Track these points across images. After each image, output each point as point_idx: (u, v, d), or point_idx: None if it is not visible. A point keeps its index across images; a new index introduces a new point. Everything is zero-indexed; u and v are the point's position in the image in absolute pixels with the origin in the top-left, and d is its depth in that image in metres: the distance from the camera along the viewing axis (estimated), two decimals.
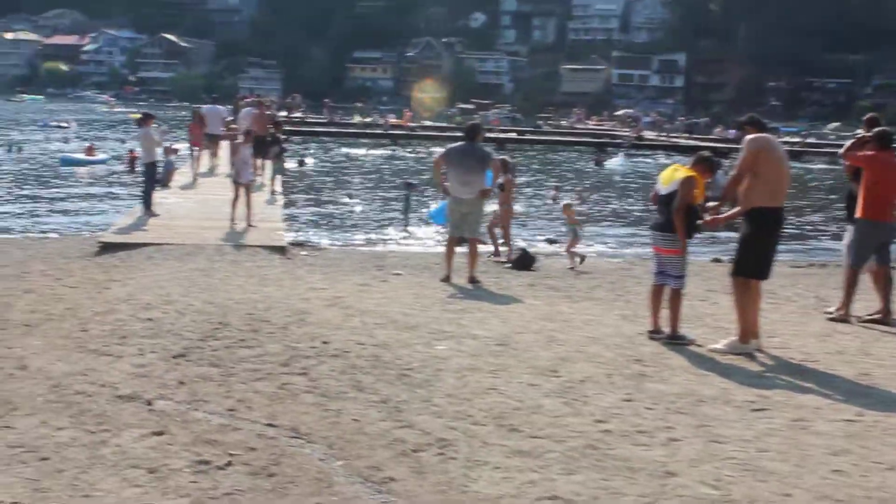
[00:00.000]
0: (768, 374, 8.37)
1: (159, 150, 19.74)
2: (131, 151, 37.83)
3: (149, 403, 6.77)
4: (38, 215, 24.01)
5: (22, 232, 20.39)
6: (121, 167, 36.44)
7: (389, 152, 51.42)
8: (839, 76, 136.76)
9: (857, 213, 10.82)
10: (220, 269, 12.72)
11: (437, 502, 5.22)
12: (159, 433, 6.17)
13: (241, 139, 18.02)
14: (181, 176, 24.20)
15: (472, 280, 12.74)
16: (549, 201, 29.23)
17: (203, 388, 7.18)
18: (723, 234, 17.62)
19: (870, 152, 10.76)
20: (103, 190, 30.24)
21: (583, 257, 15.96)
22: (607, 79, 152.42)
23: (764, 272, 9.19)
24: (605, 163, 48.22)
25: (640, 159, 53.59)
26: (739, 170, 9.05)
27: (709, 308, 11.44)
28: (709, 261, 16.93)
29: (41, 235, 19.29)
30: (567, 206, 17.10)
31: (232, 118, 30.83)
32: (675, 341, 9.24)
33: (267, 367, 7.79)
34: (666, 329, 9.41)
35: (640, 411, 7.02)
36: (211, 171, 26.47)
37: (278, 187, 23.28)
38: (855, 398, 7.61)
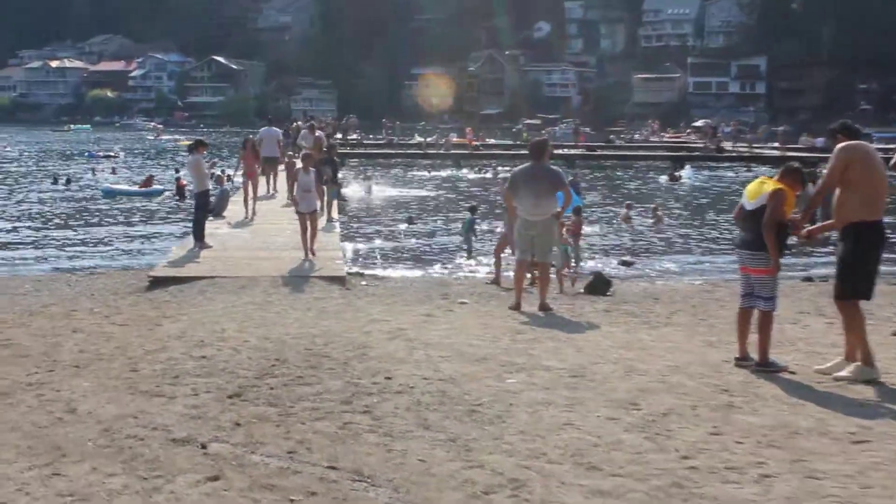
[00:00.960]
0: (869, 402, 8.17)
1: (208, 180, 19.94)
2: (178, 179, 38.46)
3: (203, 447, 6.80)
4: (85, 250, 24.49)
5: (70, 268, 20.80)
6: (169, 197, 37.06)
7: (451, 173, 51.56)
8: None
9: None
10: (277, 303, 12.81)
11: None
12: (215, 478, 6.19)
13: (299, 165, 18.05)
14: (234, 205, 24.43)
15: (544, 307, 12.66)
16: (621, 221, 29.06)
17: (260, 429, 7.20)
18: (806, 250, 17.36)
19: None
20: (154, 221, 30.72)
21: (574, 280, 15.88)
22: (682, 87, 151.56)
23: (869, 292, 8.98)
24: (680, 177, 47.89)
25: (720, 172, 53.14)
26: (827, 181, 8.89)
27: (801, 332, 11.24)
28: (800, 280, 16.66)
29: (89, 271, 19.65)
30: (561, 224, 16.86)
31: (284, 142, 31.09)
32: (766, 369, 9.06)
33: (327, 405, 7.79)
34: (754, 356, 9.23)
35: (728, 446, 6.89)
36: (267, 197, 26.64)
37: (335, 213, 23.44)
38: None
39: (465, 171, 52.47)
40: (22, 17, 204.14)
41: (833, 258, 9.44)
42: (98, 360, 9.42)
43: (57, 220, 30.99)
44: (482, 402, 7.89)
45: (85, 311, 12.48)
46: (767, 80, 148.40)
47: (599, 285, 14.95)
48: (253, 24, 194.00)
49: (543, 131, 78.16)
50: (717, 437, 7.06)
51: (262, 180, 26.24)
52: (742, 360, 9.28)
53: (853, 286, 8.90)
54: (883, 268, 16.74)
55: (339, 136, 59.24)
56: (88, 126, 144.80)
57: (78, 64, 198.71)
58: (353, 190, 38.61)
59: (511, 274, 14.92)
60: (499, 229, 16.67)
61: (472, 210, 24.52)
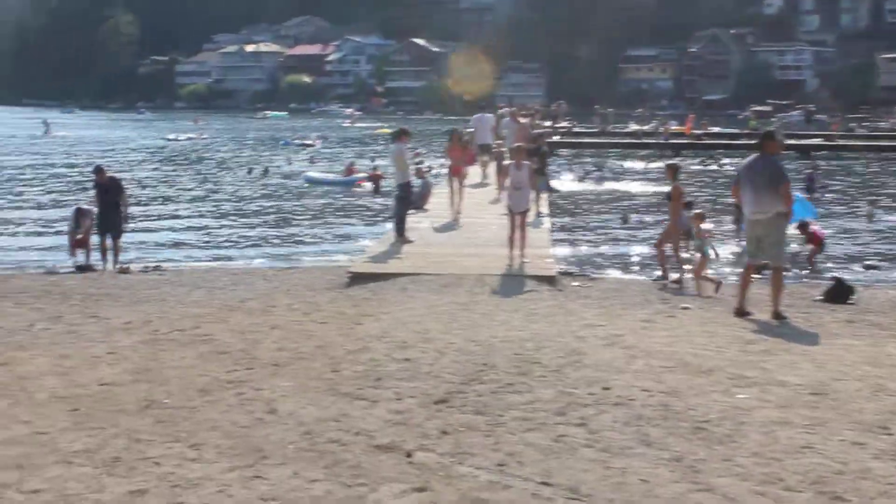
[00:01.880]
0: None
1: (412, 172, 20.24)
2: (374, 170, 39.24)
3: (408, 455, 6.93)
4: (281, 243, 25.31)
5: (266, 262, 21.56)
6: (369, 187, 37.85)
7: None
8: None
9: None
10: (483, 303, 12.93)
11: None
12: (421, 489, 6.29)
13: (509, 159, 17.98)
14: (436, 197, 24.67)
15: (777, 315, 12.32)
16: (865, 219, 28.00)
17: (468, 438, 7.28)
18: None
19: None
20: (352, 213, 31.48)
21: (718, 283, 15.21)
22: None
23: None
24: None
25: None
26: None
27: None
28: None
29: (286, 265, 20.31)
30: (698, 216, 16.24)
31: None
32: None
33: (539, 415, 7.81)
34: None
35: None
36: (479, 185, 26.74)
37: (544, 208, 23.43)
38: None
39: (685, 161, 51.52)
40: (218, 1, 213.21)
41: None
42: (298, 359, 9.73)
43: (253, 212, 32.14)
44: (710, 419, 7.75)
45: (283, 308, 12.90)
46: None
47: (840, 292, 14.43)
48: (455, 5, 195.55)
49: (774, 119, 76.03)
50: None
51: (471, 170, 26.11)
52: None
53: None
54: None
55: (547, 123, 59.21)
56: (285, 113, 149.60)
57: (274, 48, 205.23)
58: (562, 182, 38.49)
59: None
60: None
61: (688, 206, 23.97)
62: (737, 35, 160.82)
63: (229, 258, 22.61)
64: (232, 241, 25.60)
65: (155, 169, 51.39)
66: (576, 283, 15.65)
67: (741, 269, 13.42)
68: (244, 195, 37.67)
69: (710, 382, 8.90)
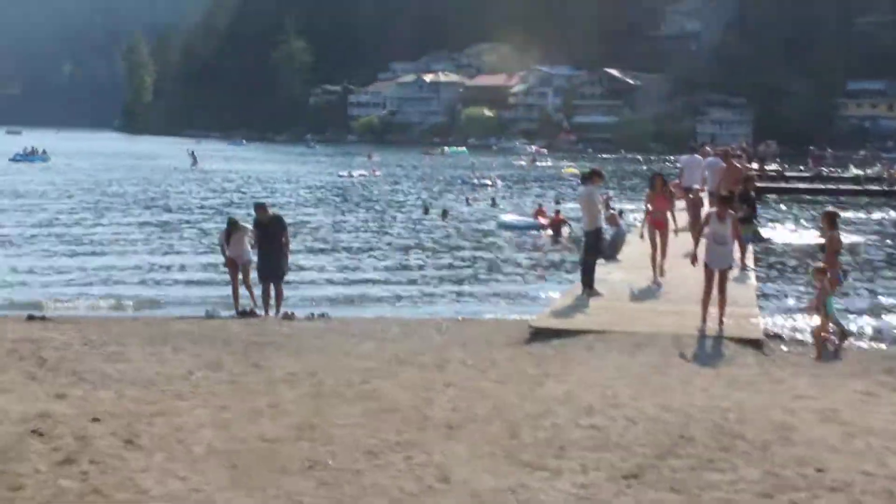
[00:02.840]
0: None
1: (602, 217, 20.04)
2: (558, 213, 39.13)
3: None
4: (458, 291, 25.40)
5: (438, 311, 21.71)
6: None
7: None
8: None
9: None
10: (678, 366, 12.77)
11: None
12: None
13: (709, 206, 17.60)
14: (629, 246, 24.40)
15: None
16: None
17: None
18: None
19: None
20: (535, 261, 31.46)
21: (844, 335, 14.56)
22: None
23: None
24: None
25: None
26: None
27: None
28: None
29: (463, 317, 20.39)
30: (817, 270, 15.94)
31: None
32: None
33: (743, 497, 7.66)
34: None
35: None
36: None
37: (750, 261, 22.95)
38: None
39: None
40: (396, 24, 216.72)
41: None
42: (472, 422, 9.75)
43: (428, 256, 32.43)
44: None
45: (458, 363, 12.96)
46: None
47: None
48: (655, 31, 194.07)
49: None
50: None
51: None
52: None
53: None
54: None
55: (754, 165, 58.18)
56: (464, 149, 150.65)
57: (454, 78, 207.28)
58: (772, 231, 37.71)
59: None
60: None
61: None
62: None
63: (400, 306, 22.83)
64: (405, 288, 25.83)
65: (324, 208, 52.37)
66: (785, 348, 15.29)
67: None
68: (420, 237, 38.03)
69: None
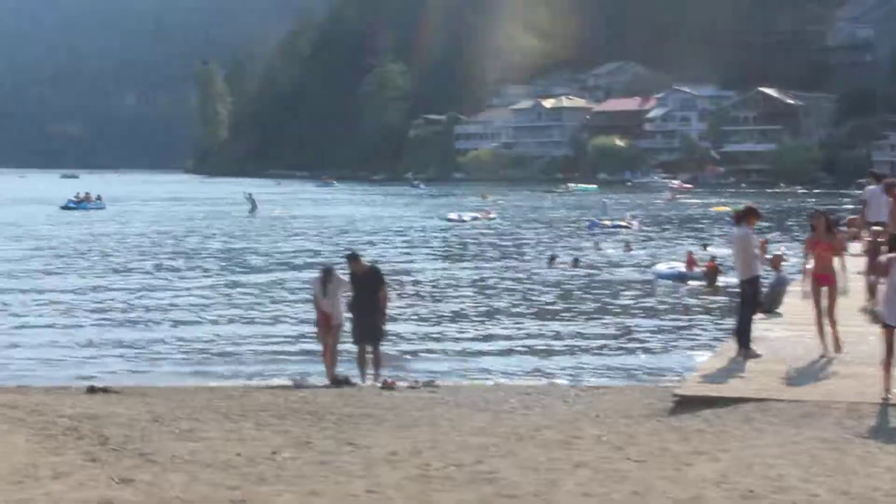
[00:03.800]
0: None
1: (758, 262, 19.68)
2: (712, 259, 38.83)
3: None
4: (586, 354, 25.31)
5: (566, 378, 21.66)
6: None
7: None
8: None
9: None
10: (858, 442, 12.49)
11: None
12: None
13: (886, 251, 16.89)
14: (791, 297, 24.05)
15: None
16: None
17: None
18: None
19: None
20: (681, 316, 31.26)
21: None
22: None
23: None
24: None
25: None
26: None
27: None
28: None
29: (595, 384, 20.32)
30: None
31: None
32: None
33: None
34: None
35: None
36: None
37: None
38: None
39: None
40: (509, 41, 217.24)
41: None
42: None
43: (548, 312, 32.40)
44: None
45: (590, 439, 12.85)
46: None
47: None
48: (820, 42, 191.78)
49: None
50: None
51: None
52: None
53: None
54: None
55: None
56: (594, 186, 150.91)
57: (579, 102, 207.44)
58: None
59: None
60: None
61: None
62: None
63: (519, 372, 22.79)
64: (524, 349, 25.81)
65: (429, 258, 52.64)
66: None
67: None
68: (544, 291, 38.03)
69: None
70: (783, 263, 27.36)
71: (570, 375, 22.26)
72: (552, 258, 48.93)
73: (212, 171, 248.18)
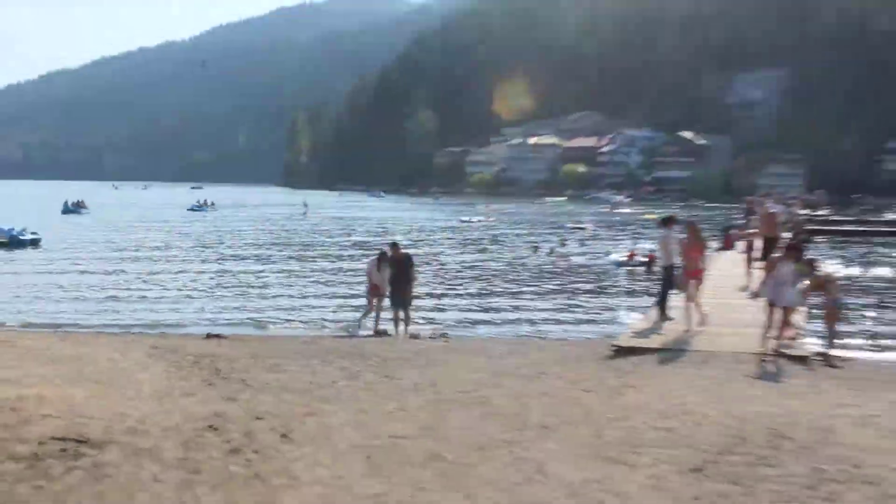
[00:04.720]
0: None
1: (676, 256, 19.72)
2: (651, 253, 38.76)
3: None
4: (551, 317, 25.31)
5: (538, 334, 21.72)
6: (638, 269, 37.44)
7: None
8: None
9: None
10: (737, 380, 12.56)
11: None
12: None
13: (780, 253, 17.00)
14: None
15: None
16: None
17: None
18: None
19: None
20: (621, 291, 31.24)
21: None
22: None
23: None
24: None
25: None
26: None
27: None
28: None
29: (558, 337, 20.42)
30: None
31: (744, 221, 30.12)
32: None
33: (790, 488, 7.53)
34: None
35: None
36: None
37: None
38: None
39: None
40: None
41: None
42: (564, 424, 9.73)
43: (531, 287, 32.40)
44: None
45: (552, 376, 12.94)
46: None
47: None
48: (723, 101, 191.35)
49: None
50: None
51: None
52: None
53: None
54: None
55: (805, 211, 57.26)
56: (563, 199, 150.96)
57: (554, 140, 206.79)
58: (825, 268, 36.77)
59: None
60: None
61: None
62: None
63: (507, 328, 22.83)
64: (512, 312, 25.84)
65: (448, 247, 52.61)
66: (820, 360, 14.92)
67: None
68: (528, 271, 38.03)
69: None
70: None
71: (542, 332, 22.30)
72: (535, 248, 48.96)
73: (296, 185, 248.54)
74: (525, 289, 31.98)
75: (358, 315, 21.77)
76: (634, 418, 9.98)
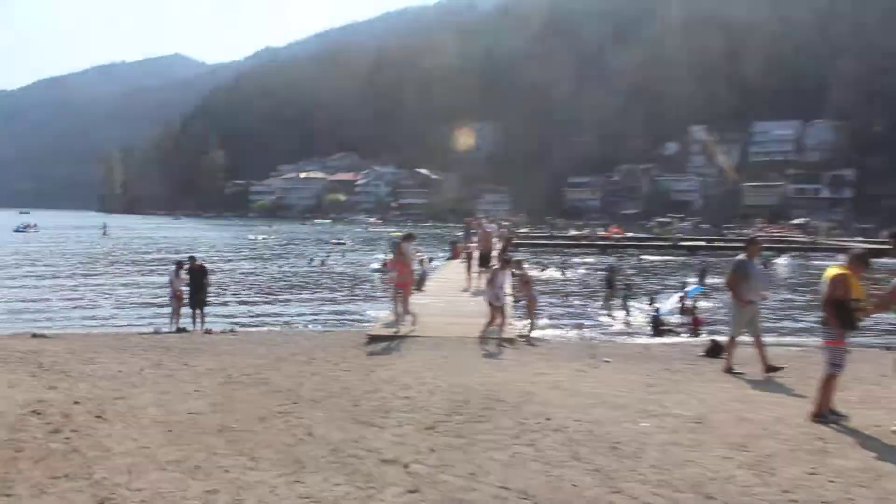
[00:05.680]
0: None
1: (415, 263, 20.09)
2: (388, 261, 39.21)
3: (406, 466, 6.88)
4: (316, 311, 25.17)
5: (310, 325, 21.54)
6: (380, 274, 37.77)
7: (597, 259, 50.77)
8: None
9: None
10: (463, 358, 12.84)
11: None
12: (414, 491, 6.27)
13: (497, 265, 17.37)
14: (431, 282, 24.59)
15: (771, 369, 11.64)
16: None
17: (449, 455, 7.23)
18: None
19: None
20: (374, 292, 31.40)
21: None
22: (784, 193, 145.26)
23: None
24: (772, 263, 45.68)
25: (818, 262, 50.67)
26: None
27: (883, 392, 10.52)
28: (882, 349, 15.63)
29: (324, 329, 20.31)
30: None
31: (464, 237, 30.99)
32: (820, 420, 8.54)
33: (501, 438, 7.77)
34: (843, 411, 8.68)
35: (823, 484, 6.52)
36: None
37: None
38: None
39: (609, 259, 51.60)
40: (282, 142, 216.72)
41: None
42: (330, 397, 9.66)
43: (304, 290, 32.09)
44: (621, 441, 7.71)
45: (320, 360, 12.81)
46: (857, 187, 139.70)
47: (716, 350, 14.34)
48: (450, 145, 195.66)
49: (671, 227, 76.97)
50: (813, 476, 6.70)
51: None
52: (831, 415, 8.70)
53: None
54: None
55: (511, 227, 59.71)
56: (328, 221, 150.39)
57: (320, 175, 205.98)
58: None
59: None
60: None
61: (611, 270, 25.59)
62: (645, 169, 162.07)
63: (283, 323, 22.51)
64: (288, 309, 25.46)
65: (237, 259, 51.28)
66: (538, 344, 15.55)
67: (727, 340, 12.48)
68: (302, 277, 37.60)
69: (623, 415, 8.84)
70: (428, 264, 27.84)
71: (309, 324, 22.12)
72: (311, 260, 48.49)
73: (109, 211, 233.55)
74: (301, 292, 31.64)
75: (166, 319, 20.88)
76: (384, 390, 10.03)
